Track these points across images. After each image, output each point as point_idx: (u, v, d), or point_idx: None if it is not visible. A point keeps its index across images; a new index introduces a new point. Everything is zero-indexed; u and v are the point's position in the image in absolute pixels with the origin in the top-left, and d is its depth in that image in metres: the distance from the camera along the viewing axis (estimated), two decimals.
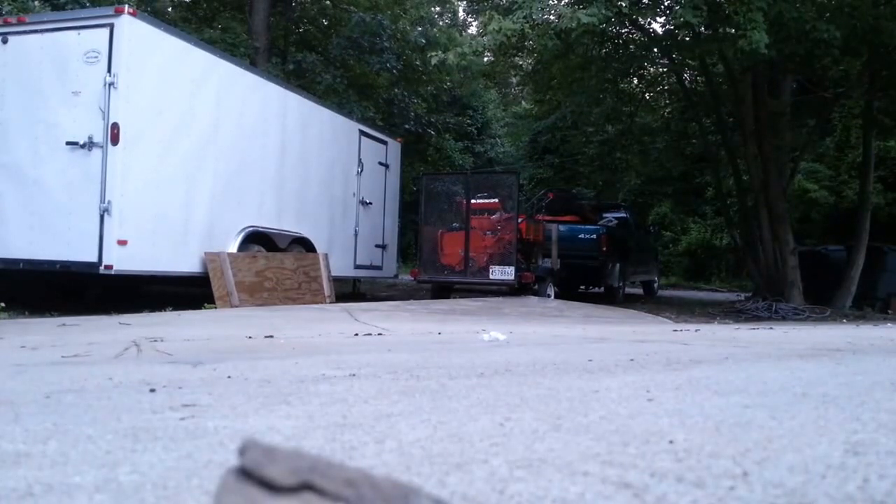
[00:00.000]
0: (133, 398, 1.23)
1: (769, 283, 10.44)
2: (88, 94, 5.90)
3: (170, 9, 15.07)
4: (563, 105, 13.11)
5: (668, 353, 1.33)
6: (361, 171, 9.79)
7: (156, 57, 6.22)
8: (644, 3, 9.44)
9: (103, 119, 5.85)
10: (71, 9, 9.67)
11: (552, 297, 9.59)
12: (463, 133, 20.95)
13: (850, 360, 1.19)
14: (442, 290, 9.74)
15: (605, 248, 10.91)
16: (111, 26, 5.88)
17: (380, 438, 0.48)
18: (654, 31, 11.18)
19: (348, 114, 10.55)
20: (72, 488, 0.36)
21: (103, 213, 5.78)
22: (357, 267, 10.04)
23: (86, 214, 5.83)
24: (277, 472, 0.21)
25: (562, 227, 10.44)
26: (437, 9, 19.81)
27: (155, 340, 2.81)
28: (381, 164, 10.46)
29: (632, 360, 1.15)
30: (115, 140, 5.82)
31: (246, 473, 0.21)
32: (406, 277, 12.39)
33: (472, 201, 9.39)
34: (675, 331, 2.95)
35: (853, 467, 0.40)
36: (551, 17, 8.67)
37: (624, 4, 9.25)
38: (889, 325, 4.43)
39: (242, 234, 7.38)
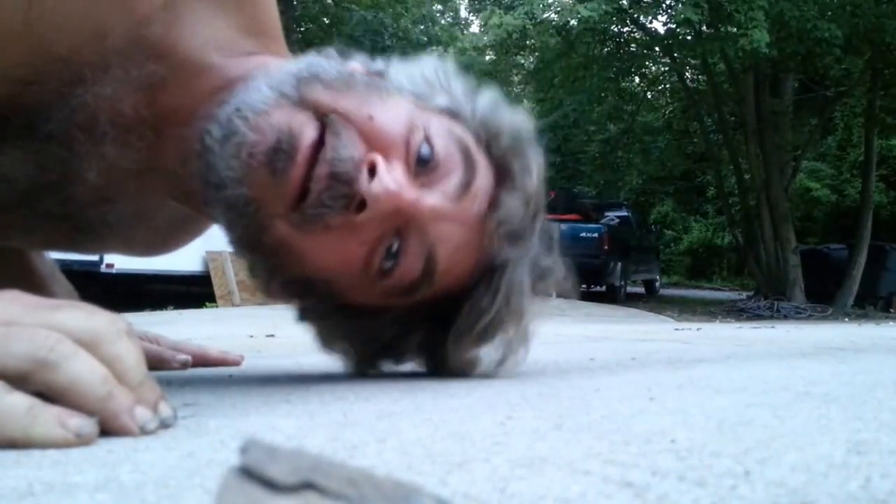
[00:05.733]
0: None
1: (771, 282, 10.44)
2: None
3: None
4: (564, 104, 13.12)
5: (669, 351, 1.33)
6: None
7: None
8: (645, 1, 9.44)
9: None
10: None
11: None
12: None
13: (853, 358, 1.18)
14: None
15: (606, 247, 10.91)
16: None
17: (381, 437, 0.48)
18: (656, 30, 11.18)
19: None
20: (72, 487, 0.36)
21: None
22: None
23: None
24: (279, 471, 0.21)
25: (563, 226, 10.43)
26: (439, 7, 19.80)
27: None
28: None
29: (633, 358, 1.15)
30: None
31: (247, 472, 0.21)
32: None
33: None
34: (677, 330, 2.95)
35: (855, 466, 0.40)
36: (553, 17, 8.66)
37: (625, 2, 9.25)
38: (891, 323, 4.43)
39: None
